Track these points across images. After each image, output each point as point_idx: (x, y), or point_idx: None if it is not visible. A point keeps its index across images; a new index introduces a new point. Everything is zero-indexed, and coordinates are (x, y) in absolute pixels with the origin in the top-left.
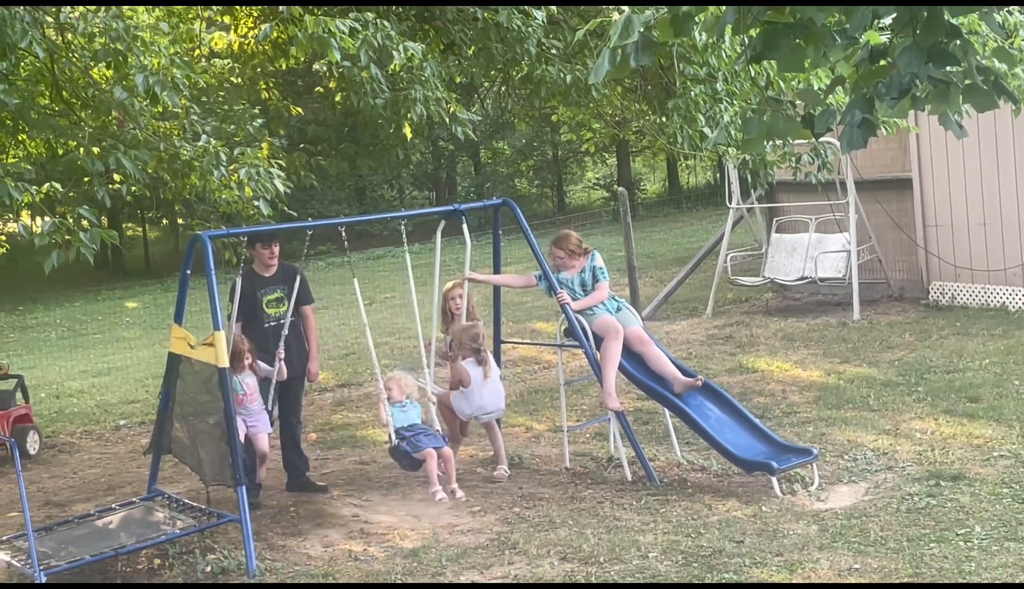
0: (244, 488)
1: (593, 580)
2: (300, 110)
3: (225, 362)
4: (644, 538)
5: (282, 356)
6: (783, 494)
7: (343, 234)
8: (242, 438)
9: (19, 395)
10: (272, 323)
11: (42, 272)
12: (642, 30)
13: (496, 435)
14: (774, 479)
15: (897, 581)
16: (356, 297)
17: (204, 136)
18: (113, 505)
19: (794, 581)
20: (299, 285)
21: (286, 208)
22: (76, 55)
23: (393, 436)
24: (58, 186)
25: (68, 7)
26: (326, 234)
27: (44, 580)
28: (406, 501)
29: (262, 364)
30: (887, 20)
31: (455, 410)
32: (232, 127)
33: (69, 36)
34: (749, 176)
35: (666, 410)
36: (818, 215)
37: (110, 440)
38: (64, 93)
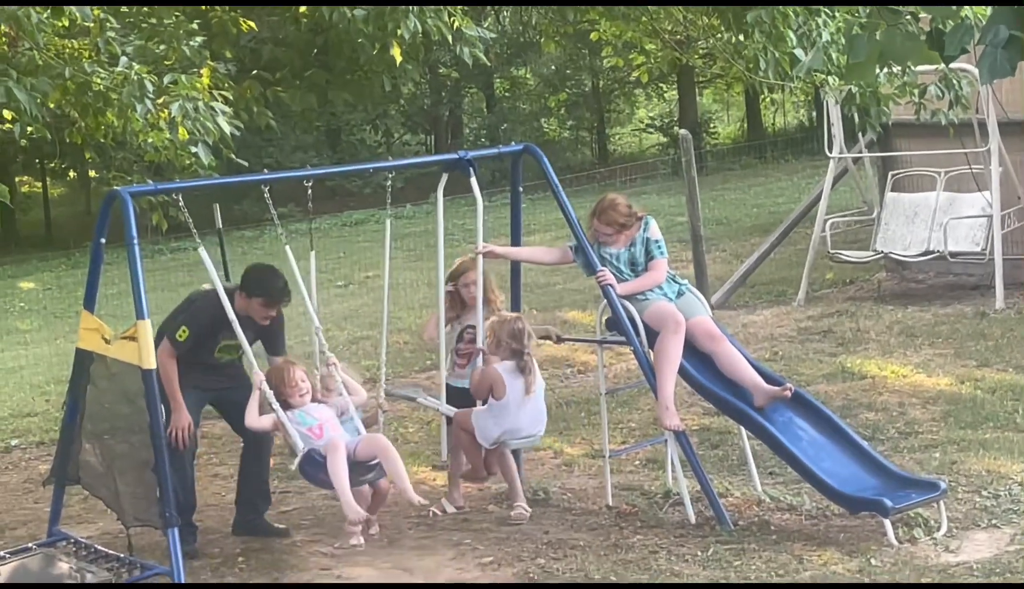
0: (176, 531)
1: None
2: (253, 25)
3: (151, 362)
4: None
5: (334, 361)
6: (899, 542)
7: (308, 191)
8: (338, 452)
9: None
10: (213, 363)
11: None
12: None
13: (510, 462)
14: (887, 522)
15: None
16: (310, 277)
17: (124, 59)
18: (2, 552)
19: None
20: (274, 332)
21: (233, 156)
22: None
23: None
24: None
25: None
26: (288, 191)
27: None
28: (393, 548)
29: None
30: None
31: (477, 433)
32: (162, 47)
33: None
34: (856, 115)
35: (743, 429)
36: (949, 168)
37: None
38: None
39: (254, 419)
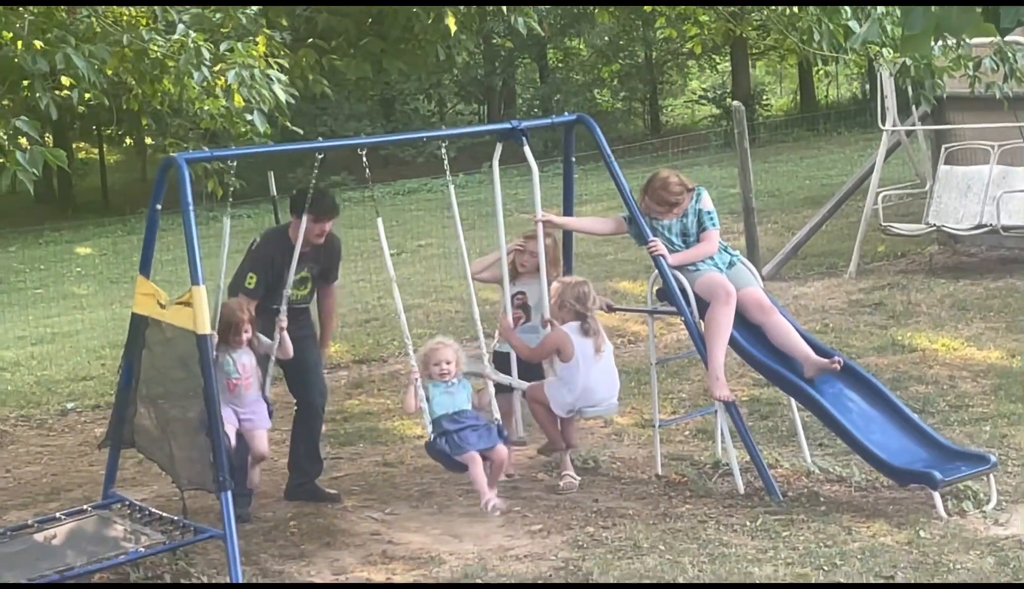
0: (230, 494)
1: None
2: None
3: (206, 327)
4: (760, 570)
5: (284, 325)
6: (948, 515)
7: (363, 159)
8: (232, 436)
9: None
10: (286, 306)
11: None
12: None
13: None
14: (937, 495)
15: None
16: (380, 242)
17: (181, 26)
18: (58, 514)
19: None
20: (332, 260)
21: (288, 124)
22: None
23: (430, 428)
24: None
25: None
26: (341, 160)
27: None
28: (443, 515)
29: (263, 338)
30: None
31: (552, 404)
32: (219, 15)
33: None
34: (910, 88)
35: (793, 401)
36: (1003, 141)
37: (54, 429)
38: None
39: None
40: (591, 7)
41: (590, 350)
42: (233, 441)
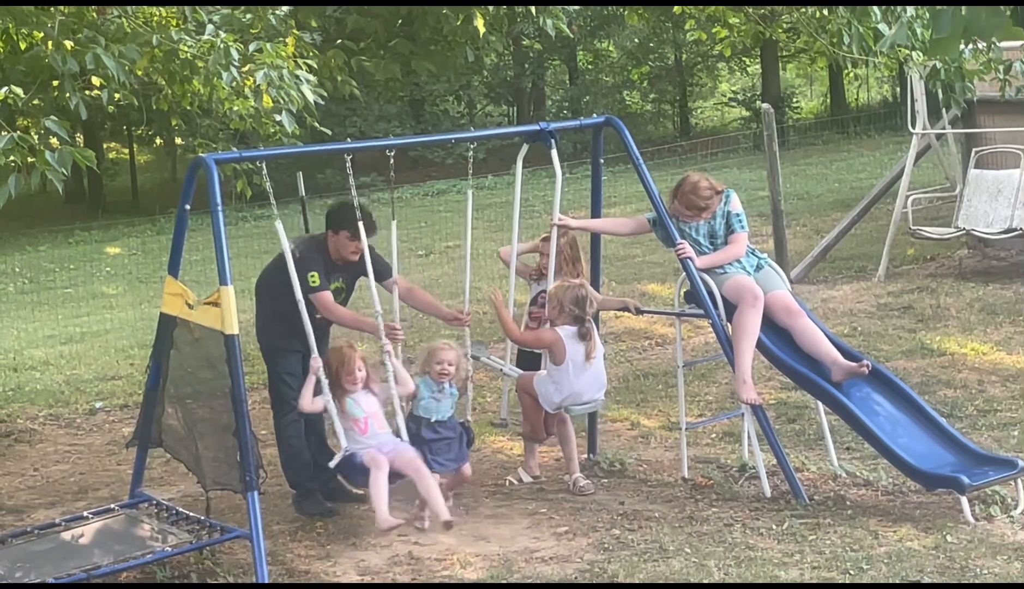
0: (256, 495)
1: None
2: None
3: (234, 327)
4: (786, 574)
5: (389, 348)
6: (976, 519)
7: (391, 160)
8: (381, 460)
9: None
10: (320, 316)
11: None
12: None
13: (568, 433)
14: (964, 499)
15: None
16: (403, 243)
17: (210, 27)
18: (85, 513)
19: None
20: (370, 262)
21: (317, 125)
22: None
23: (402, 427)
24: (19, 91)
25: None
26: (371, 161)
27: None
28: (470, 516)
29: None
30: None
31: (540, 398)
32: (248, 16)
33: None
34: (940, 91)
35: (820, 404)
36: None
37: (83, 428)
38: None
39: (307, 402)
40: (621, 9)
41: (581, 356)
42: (385, 464)
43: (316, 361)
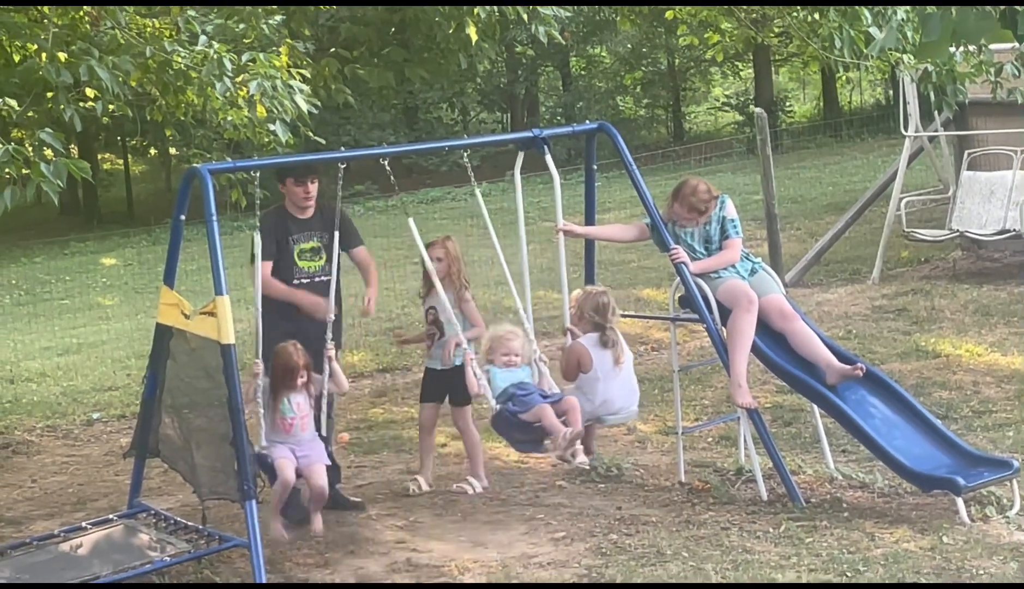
0: (254, 503)
1: None
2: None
3: (230, 337)
4: (784, 576)
5: (331, 353)
6: (972, 520)
7: (387, 168)
8: (289, 475)
9: None
10: (304, 280)
11: None
12: None
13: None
14: (960, 500)
15: None
16: (416, 240)
17: (203, 37)
18: (84, 523)
19: None
20: (340, 225)
21: (311, 134)
22: None
23: (494, 402)
24: (13, 103)
25: None
26: (365, 169)
27: None
28: (467, 522)
29: (316, 376)
30: None
31: None
32: (241, 26)
33: None
34: (932, 94)
35: (815, 407)
36: None
37: (80, 439)
38: None
39: (247, 397)
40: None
41: (609, 362)
42: (292, 479)
43: (257, 367)
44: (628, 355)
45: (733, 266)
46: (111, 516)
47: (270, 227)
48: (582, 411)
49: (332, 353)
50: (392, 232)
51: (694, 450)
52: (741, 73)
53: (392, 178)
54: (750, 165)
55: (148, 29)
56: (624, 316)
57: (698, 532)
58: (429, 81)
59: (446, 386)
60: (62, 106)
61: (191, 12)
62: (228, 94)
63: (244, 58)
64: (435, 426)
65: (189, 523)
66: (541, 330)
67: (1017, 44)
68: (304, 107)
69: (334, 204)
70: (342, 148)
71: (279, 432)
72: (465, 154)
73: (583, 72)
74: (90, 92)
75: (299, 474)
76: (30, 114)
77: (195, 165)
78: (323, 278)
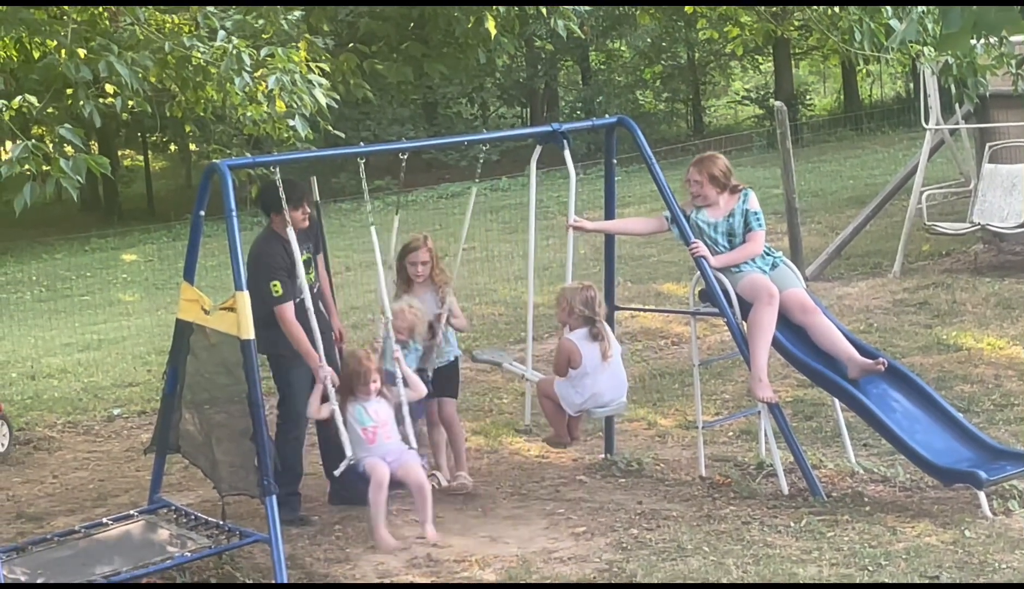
0: (275, 499)
1: None
2: None
3: (250, 332)
4: (805, 571)
5: (398, 355)
6: (994, 514)
7: (403, 163)
8: (382, 473)
9: None
10: (301, 296)
11: (11, 212)
12: None
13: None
14: (982, 494)
15: None
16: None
17: (222, 33)
18: (104, 519)
19: None
20: (318, 233)
21: (331, 129)
22: None
23: (410, 433)
24: (33, 100)
25: None
26: (385, 164)
27: None
28: (487, 518)
29: (392, 388)
30: None
31: (561, 402)
32: (260, 21)
33: None
34: (953, 86)
35: (836, 401)
36: None
37: (101, 434)
38: None
39: (315, 410)
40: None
41: (597, 357)
42: (385, 478)
43: (324, 370)
44: (616, 347)
45: (753, 260)
46: (132, 512)
47: (274, 255)
48: (572, 405)
49: (399, 355)
50: (411, 228)
51: (714, 445)
52: (761, 67)
53: (402, 175)
54: (770, 159)
55: (167, 25)
56: (644, 310)
57: (719, 527)
58: (448, 76)
59: (436, 379)
60: (81, 102)
61: (210, 8)
62: (247, 89)
63: (263, 53)
64: (439, 421)
65: (209, 519)
66: (554, 327)
67: None
68: (323, 101)
69: (314, 214)
70: (361, 143)
71: (363, 445)
72: (483, 149)
73: (602, 66)
74: (110, 88)
75: (395, 481)
76: (50, 110)
77: (215, 161)
78: (315, 289)
